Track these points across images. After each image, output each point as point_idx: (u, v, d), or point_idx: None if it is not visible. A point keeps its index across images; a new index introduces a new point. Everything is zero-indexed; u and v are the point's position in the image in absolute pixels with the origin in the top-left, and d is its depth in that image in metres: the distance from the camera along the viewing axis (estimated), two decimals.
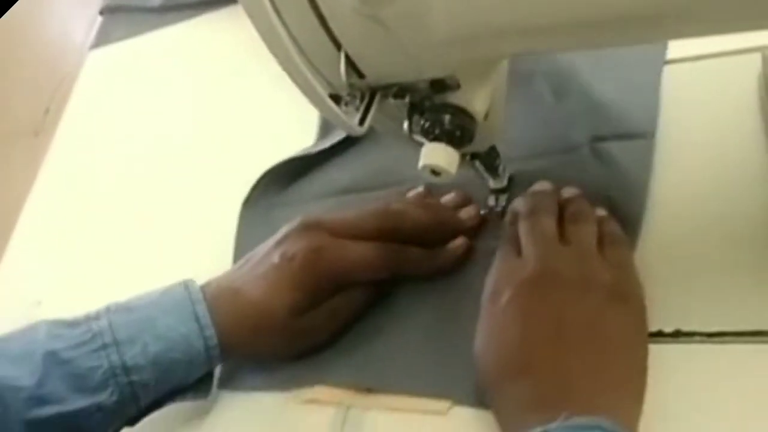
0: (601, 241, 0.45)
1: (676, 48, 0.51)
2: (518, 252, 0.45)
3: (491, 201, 0.51)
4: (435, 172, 0.40)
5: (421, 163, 0.40)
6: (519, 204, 0.48)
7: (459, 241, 0.50)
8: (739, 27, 0.34)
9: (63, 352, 0.45)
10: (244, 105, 0.71)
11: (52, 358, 0.45)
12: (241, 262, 0.51)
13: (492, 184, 0.50)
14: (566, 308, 0.41)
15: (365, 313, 0.51)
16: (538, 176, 0.50)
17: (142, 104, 0.79)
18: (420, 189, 0.54)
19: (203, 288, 0.49)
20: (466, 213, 0.51)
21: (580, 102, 0.52)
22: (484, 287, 0.45)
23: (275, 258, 0.48)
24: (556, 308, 0.41)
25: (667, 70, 0.50)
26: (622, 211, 0.46)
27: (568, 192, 0.48)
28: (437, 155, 0.40)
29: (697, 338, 0.42)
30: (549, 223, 0.46)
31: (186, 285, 0.49)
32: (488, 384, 0.42)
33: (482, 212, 0.51)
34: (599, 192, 0.48)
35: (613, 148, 0.49)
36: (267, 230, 0.52)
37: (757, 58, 0.48)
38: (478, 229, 0.51)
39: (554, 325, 0.41)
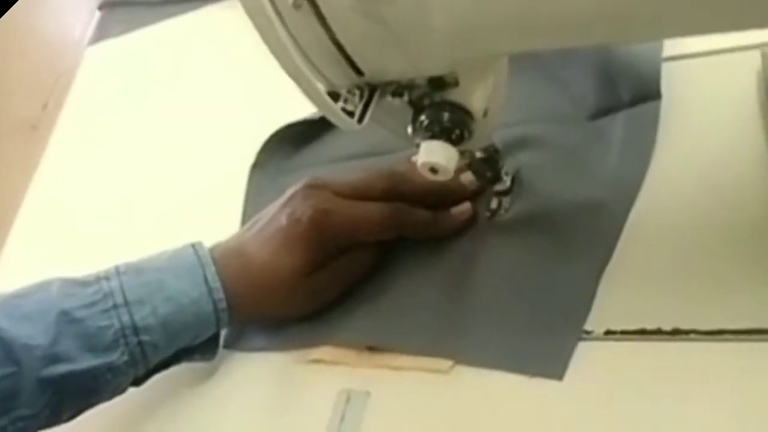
0: None
1: (675, 45, 0.51)
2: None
3: (494, 204, 0.50)
4: (434, 170, 0.40)
5: (420, 161, 0.40)
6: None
7: (464, 207, 0.50)
8: (736, 26, 0.34)
9: (75, 311, 0.46)
10: (246, 98, 0.71)
11: (65, 317, 0.46)
12: (248, 224, 0.52)
13: (495, 186, 0.50)
14: None
15: (371, 273, 0.51)
16: (528, 143, 0.51)
17: (141, 99, 0.79)
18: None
19: (211, 250, 0.50)
20: (467, 178, 0.51)
21: (585, 69, 0.52)
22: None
23: (282, 219, 0.49)
24: None
25: (666, 67, 0.50)
26: (610, 200, 0.46)
27: None
28: (436, 153, 0.40)
29: (695, 336, 0.41)
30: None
31: (195, 248, 0.49)
32: None
33: (486, 215, 0.51)
34: (591, 171, 0.48)
35: (616, 121, 0.49)
36: (274, 196, 0.52)
37: (756, 55, 0.48)
38: (480, 193, 0.51)
39: None
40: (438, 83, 0.39)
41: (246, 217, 0.61)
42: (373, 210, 0.49)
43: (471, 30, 0.36)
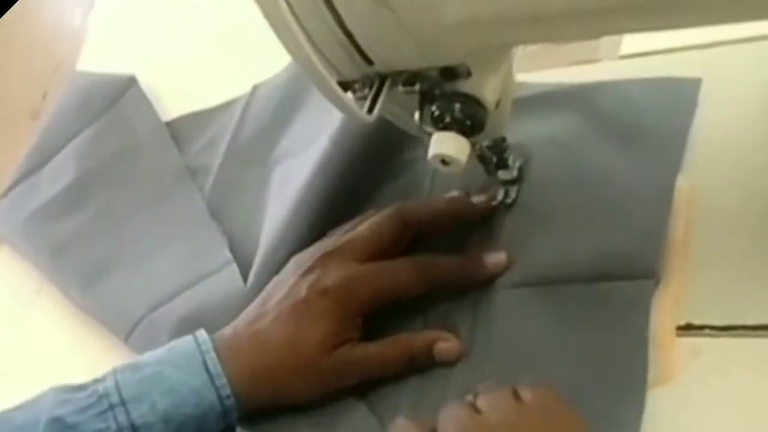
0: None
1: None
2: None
3: (500, 194, 0.50)
4: (445, 161, 0.40)
5: (430, 153, 0.40)
6: None
7: (500, 257, 0.47)
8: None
9: (68, 417, 0.44)
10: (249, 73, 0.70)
11: (56, 424, 0.44)
12: (258, 301, 0.48)
13: (501, 175, 0.49)
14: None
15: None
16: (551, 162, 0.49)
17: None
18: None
19: (218, 336, 0.47)
20: (477, 198, 0.50)
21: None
22: None
23: (302, 293, 0.46)
24: None
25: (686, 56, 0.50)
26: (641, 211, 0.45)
27: None
28: (447, 144, 0.39)
29: (708, 331, 0.41)
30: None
31: (195, 336, 0.47)
32: None
33: (493, 203, 0.50)
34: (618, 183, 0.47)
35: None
36: (243, 190, 0.51)
37: None
38: (491, 210, 0.49)
39: None
40: (450, 74, 0.39)
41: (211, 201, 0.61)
42: (399, 272, 0.46)
43: (483, 19, 0.35)
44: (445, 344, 0.46)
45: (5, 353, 0.63)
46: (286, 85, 0.65)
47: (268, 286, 0.49)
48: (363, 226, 0.48)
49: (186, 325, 0.52)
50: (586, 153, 0.49)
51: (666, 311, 0.42)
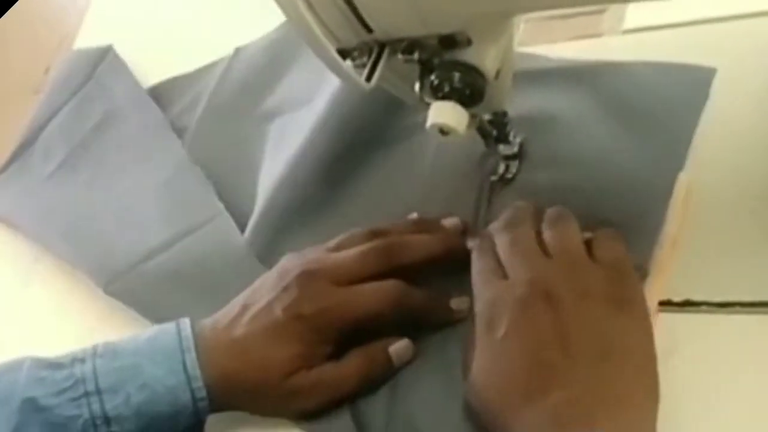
0: (589, 241, 0.43)
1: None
2: (499, 271, 0.43)
3: (501, 168, 0.49)
4: (443, 131, 0.39)
5: (429, 122, 0.39)
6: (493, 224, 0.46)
7: (464, 303, 0.46)
8: None
9: (42, 398, 0.43)
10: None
11: (30, 405, 0.43)
12: (238, 308, 0.47)
13: (502, 149, 0.49)
14: (567, 325, 0.39)
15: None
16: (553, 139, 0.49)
17: (142, 65, 0.77)
18: (414, 215, 0.52)
19: (198, 330, 0.46)
20: (448, 221, 0.49)
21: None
22: (476, 318, 0.43)
23: (277, 312, 0.45)
24: (557, 327, 0.39)
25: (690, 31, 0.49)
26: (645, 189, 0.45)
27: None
28: (446, 114, 0.39)
29: (706, 308, 0.41)
30: (528, 234, 0.43)
31: (179, 328, 0.46)
32: (497, 415, 0.39)
33: (492, 179, 0.50)
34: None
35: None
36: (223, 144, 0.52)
37: None
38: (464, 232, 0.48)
39: (559, 345, 0.39)
40: (449, 42, 0.38)
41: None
42: (373, 302, 0.45)
43: None
44: (399, 345, 0.46)
45: (2, 323, 0.63)
46: (272, 46, 0.66)
47: (255, 284, 0.48)
48: (350, 254, 0.47)
49: (182, 278, 0.53)
50: (589, 133, 0.49)
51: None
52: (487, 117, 0.46)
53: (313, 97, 0.58)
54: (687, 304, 0.42)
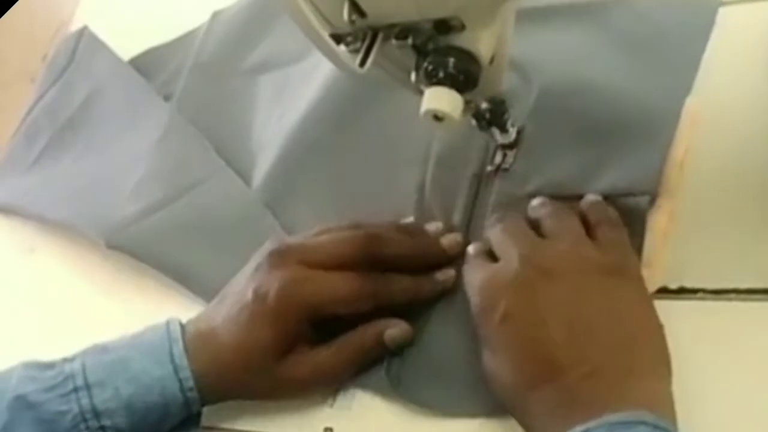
0: (590, 225, 0.43)
1: None
2: (491, 258, 0.43)
3: (498, 158, 0.49)
4: (438, 117, 0.39)
5: (423, 108, 0.39)
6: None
7: (449, 273, 0.46)
8: None
9: (32, 395, 0.44)
10: None
11: (20, 402, 0.44)
12: (218, 298, 0.48)
13: (499, 138, 0.49)
14: (568, 300, 0.39)
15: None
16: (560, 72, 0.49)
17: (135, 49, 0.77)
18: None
19: (186, 326, 0.47)
20: (448, 240, 0.47)
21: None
22: (472, 305, 0.42)
23: (248, 295, 0.45)
24: (557, 304, 0.39)
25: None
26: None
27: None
28: (441, 99, 0.39)
29: (701, 295, 0.41)
30: (518, 219, 0.44)
31: (168, 323, 0.46)
32: (512, 397, 0.39)
33: (489, 169, 0.49)
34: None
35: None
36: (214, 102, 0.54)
37: None
38: (460, 257, 0.47)
39: (563, 321, 0.38)
40: (443, 27, 0.38)
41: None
42: (346, 283, 0.45)
43: None
44: (394, 330, 0.46)
45: None
46: (251, 5, 0.67)
47: (246, 268, 0.48)
48: (328, 237, 0.47)
49: (190, 231, 0.55)
50: (596, 66, 0.50)
51: (659, 228, 0.43)
52: (485, 106, 0.46)
53: (303, 55, 0.59)
54: (682, 291, 0.41)
